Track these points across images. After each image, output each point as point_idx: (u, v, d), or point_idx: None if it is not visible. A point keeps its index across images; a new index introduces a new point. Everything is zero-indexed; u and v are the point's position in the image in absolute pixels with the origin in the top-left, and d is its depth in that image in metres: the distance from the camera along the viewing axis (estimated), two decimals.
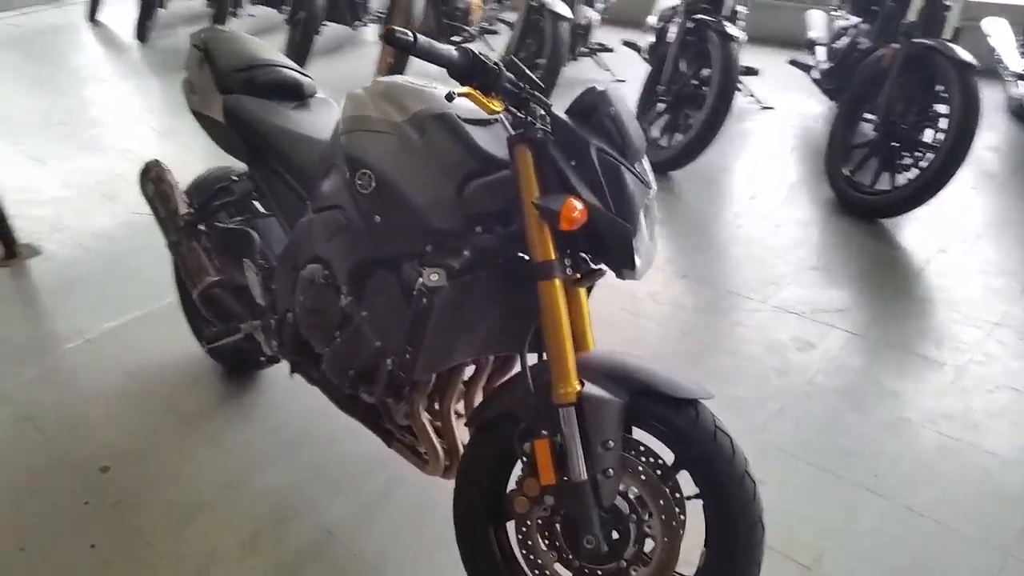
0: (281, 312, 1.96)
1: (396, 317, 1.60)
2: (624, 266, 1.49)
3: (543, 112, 1.46)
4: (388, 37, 1.28)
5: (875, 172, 3.37)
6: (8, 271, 3.26)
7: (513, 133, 1.46)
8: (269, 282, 2.03)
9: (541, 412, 1.49)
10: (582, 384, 1.48)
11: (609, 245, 1.47)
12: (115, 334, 2.79)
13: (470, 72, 1.39)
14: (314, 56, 5.61)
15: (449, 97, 1.40)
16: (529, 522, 1.59)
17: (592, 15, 5.20)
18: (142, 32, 6.28)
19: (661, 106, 3.85)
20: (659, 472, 1.51)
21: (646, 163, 1.56)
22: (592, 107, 1.47)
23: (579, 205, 1.40)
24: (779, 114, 4.62)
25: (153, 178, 2.31)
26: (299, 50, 5.26)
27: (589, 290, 1.60)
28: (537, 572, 1.62)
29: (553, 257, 1.47)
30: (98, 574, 1.91)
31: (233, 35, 2.32)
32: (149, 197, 2.32)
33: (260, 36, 2.55)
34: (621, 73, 5.33)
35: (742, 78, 4.49)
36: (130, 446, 2.30)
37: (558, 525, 1.57)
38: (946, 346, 2.59)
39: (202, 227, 2.25)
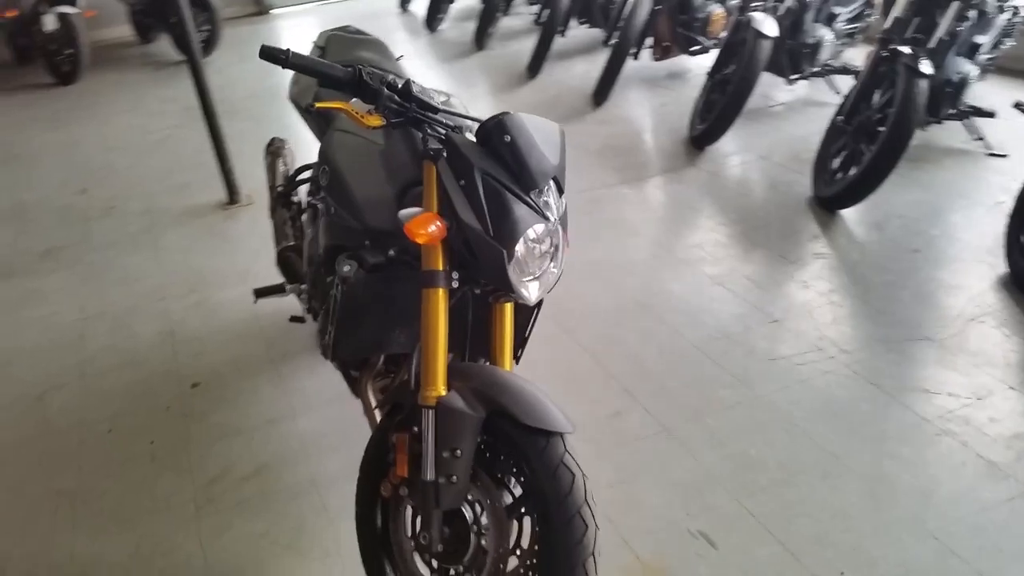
0: (309, 282, 2.24)
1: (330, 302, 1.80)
2: (500, 286, 1.55)
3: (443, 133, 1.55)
4: (262, 52, 1.46)
5: None
6: (225, 214, 3.96)
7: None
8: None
9: (413, 409, 1.60)
10: (449, 390, 1.56)
11: (483, 266, 1.53)
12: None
13: (351, 87, 1.51)
14: (563, 57, 5.91)
15: (308, 108, 1.55)
16: (390, 507, 1.71)
17: (968, 69, 3.75)
18: (431, 22, 7.01)
19: (842, 139, 3.53)
20: (508, 492, 1.55)
21: (551, 196, 1.58)
22: (489, 134, 1.54)
23: (436, 223, 1.48)
24: (1009, 164, 3.93)
25: (272, 151, 2.72)
26: (536, 50, 5.52)
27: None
28: (397, 552, 1.73)
29: (437, 267, 1.56)
30: (142, 465, 2.36)
31: (353, 37, 2.63)
32: (266, 168, 2.73)
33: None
34: (1006, 144, 4.02)
35: (975, 119, 3.94)
36: (222, 372, 2.74)
37: (409, 516, 1.67)
38: None
39: (294, 198, 2.61)
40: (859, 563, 1.89)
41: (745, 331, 2.75)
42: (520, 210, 1.53)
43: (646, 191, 3.91)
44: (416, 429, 1.57)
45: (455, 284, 1.59)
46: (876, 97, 3.40)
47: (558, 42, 5.75)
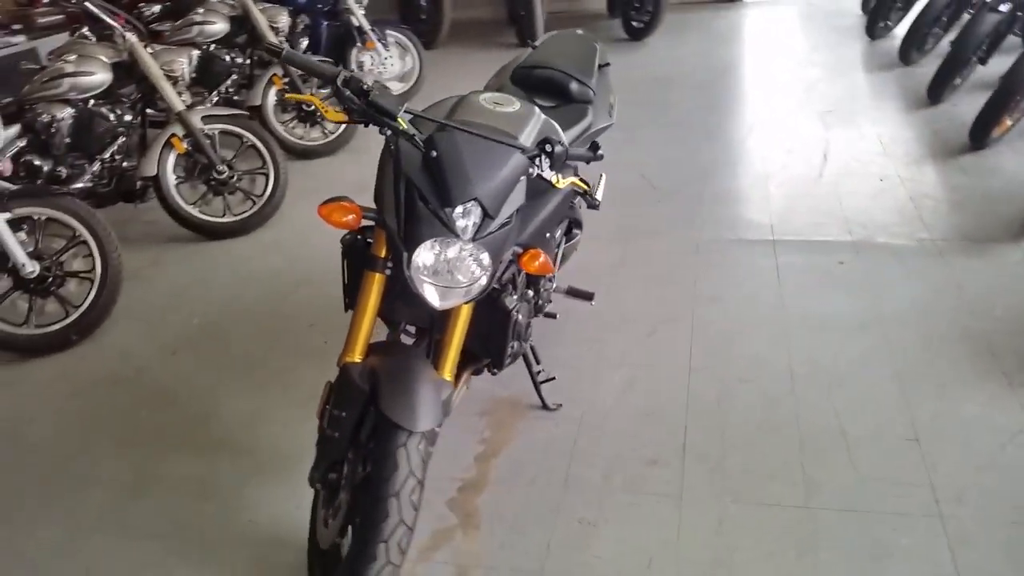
0: None
1: None
2: (407, 281, 1.77)
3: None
4: (261, 46, 1.84)
5: None
6: None
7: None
8: None
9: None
10: (363, 360, 1.87)
11: (395, 261, 1.79)
12: None
13: (333, 84, 1.79)
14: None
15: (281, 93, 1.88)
16: None
17: None
18: (873, 28, 6.46)
19: None
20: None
21: (473, 217, 1.73)
22: (425, 146, 1.74)
23: (349, 214, 1.77)
24: None
25: None
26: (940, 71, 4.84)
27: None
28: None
29: (379, 254, 1.86)
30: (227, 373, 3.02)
31: (567, 39, 2.88)
32: None
33: None
34: None
35: None
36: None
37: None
38: None
39: None
40: None
41: None
42: (428, 222, 1.72)
43: None
44: (330, 383, 1.90)
45: (388, 272, 1.86)
46: None
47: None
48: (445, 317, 1.95)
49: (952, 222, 3.58)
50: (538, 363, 2.61)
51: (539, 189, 1.97)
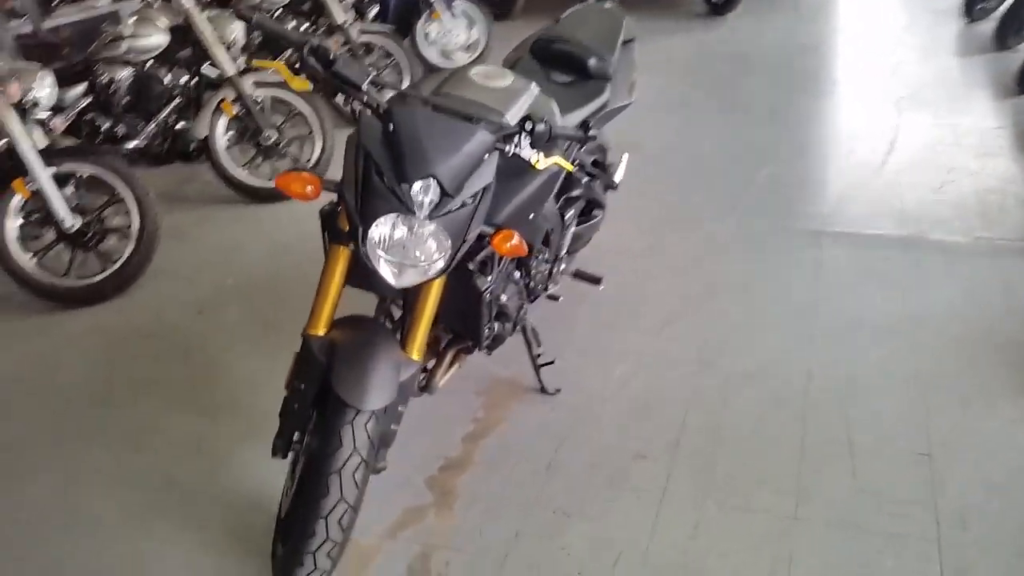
0: None
1: None
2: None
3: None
4: (236, 12, 1.82)
5: None
6: None
7: None
8: None
9: None
10: (326, 333, 1.86)
11: (352, 234, 1.76)
12: None
13: (300, 52, 1.77)
14: None
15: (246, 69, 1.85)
16: None
17: None
18: (971, 8, 6.00)
19: None
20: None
21: (430, 194, 1.68)
22: (383, 119, 1.70)
23: (308, 185, 1.74)
24: None
25: None
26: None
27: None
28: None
29: (344, 227, 1.84)
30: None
31: (592, 13, 2.78)
32: None
33: None
34: None
35: None
36: None
37: None
38: None
39: None
40: None
41: None
42: (385, 197, 1.68)
43: None
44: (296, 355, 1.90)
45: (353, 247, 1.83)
46: None
47: None
48: (415, 295, 1.91)
49: (1015, 221, 3.30)
50: (539, 345, 2.55)
51: (520, 168, 1.89)
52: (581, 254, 3.20)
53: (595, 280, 2.70)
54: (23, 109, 3.26)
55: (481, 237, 1.86)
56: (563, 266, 2.64)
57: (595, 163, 2.93)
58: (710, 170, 4.09)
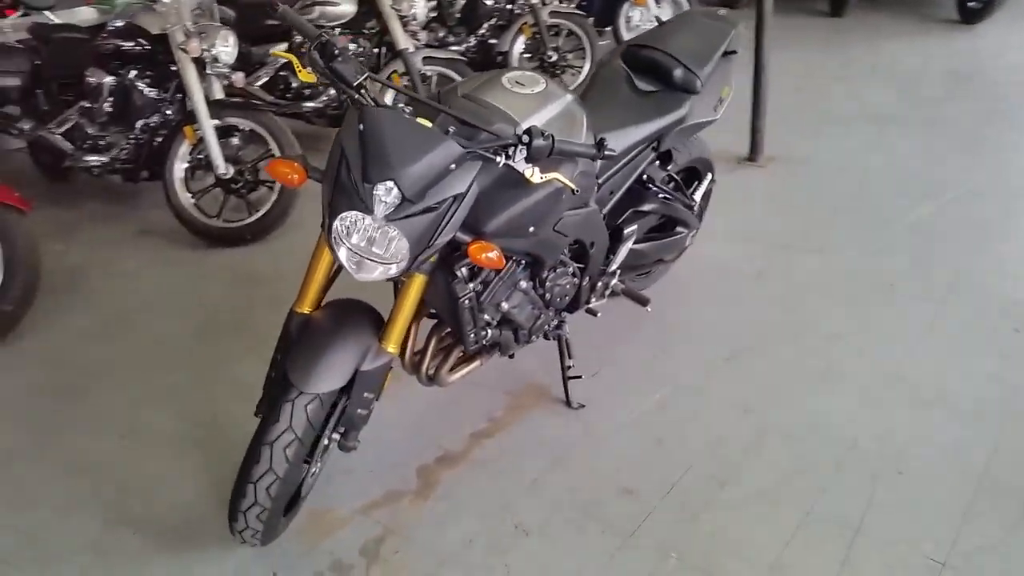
0: None
1: None
2: None
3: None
4: (269, 8, 1.93)
5: None
6: (737, 168, 4.14)
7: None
8: None
9: None
10: (314, 310, 1.99)
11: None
12: None
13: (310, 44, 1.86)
14: None
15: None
16: None
17: None
18: None
19: None
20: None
21: (390, 196, 1.71)
22: (357, 119, 1.76)
23: (294, 173, 1.85)
24: None
25: None
26: None
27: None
28: None
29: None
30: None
31: (697, 20, 2.66)
32: None
33: None
34: None
35: None
36: None
37: None
38: None
39: None
40: None
41: None
42: (348, 193, 1.75)
43: None
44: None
45: None
46: None
47: None
48: (400, 288, 1.96)
49: None
50: (570, 357, 2.50)
51: (519, 180, 1.86)
52: (672, 268, 3.08)
53: (643, 301, 2.59)
54: (203, 63, 3.69)
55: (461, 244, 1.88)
56: (614, 281, 2.56)
57: (680, 178, 2.79)
58: (867, 195, 3.71)
